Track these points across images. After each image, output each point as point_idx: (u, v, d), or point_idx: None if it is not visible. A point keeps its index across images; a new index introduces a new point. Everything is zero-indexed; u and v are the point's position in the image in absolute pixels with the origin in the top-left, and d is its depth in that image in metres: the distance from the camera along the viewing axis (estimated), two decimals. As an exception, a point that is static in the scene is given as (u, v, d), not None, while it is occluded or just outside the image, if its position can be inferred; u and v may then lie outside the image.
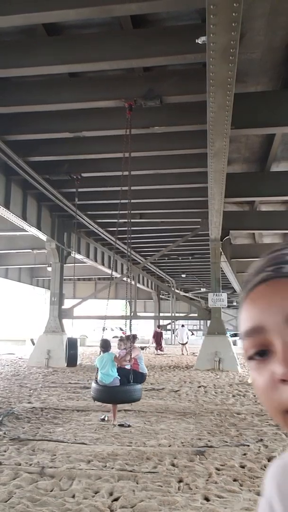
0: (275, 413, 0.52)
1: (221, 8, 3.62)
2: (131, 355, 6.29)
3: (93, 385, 6.06)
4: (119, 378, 6.04)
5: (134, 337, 7.08)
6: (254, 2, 4.85)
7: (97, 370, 6.13)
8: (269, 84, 6.93)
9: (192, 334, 27.74)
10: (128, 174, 7.07)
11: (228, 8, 3.61)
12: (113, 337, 23.97)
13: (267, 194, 11.21)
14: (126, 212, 7.23)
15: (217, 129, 5.97)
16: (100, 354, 6.32)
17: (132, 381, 5.98)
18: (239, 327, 0.57)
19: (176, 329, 25.76)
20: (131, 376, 5.96)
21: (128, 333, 6.94)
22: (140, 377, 6.47)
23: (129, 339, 6.73)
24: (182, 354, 21.62)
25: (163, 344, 23.23)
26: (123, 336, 7.83)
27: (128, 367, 6.19)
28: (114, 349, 6.81)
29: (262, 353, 0.52)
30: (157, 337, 22.86)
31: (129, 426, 5.97)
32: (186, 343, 22.37)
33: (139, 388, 6.07)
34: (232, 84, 4.86)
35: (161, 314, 30.70)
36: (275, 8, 5.06)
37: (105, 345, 6.28)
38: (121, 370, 6.12)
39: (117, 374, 6.02)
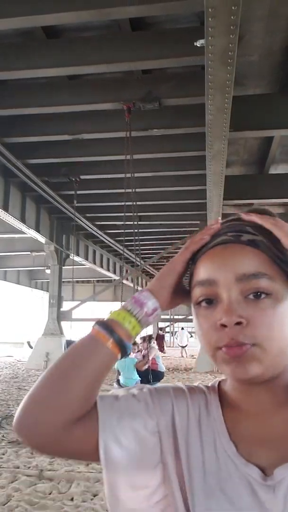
0: (211, 349, 0.64)
1: (220, 11, 3.63)
2: (148, 357, 6.64)
3: (116, 386, 6.51)
4: (140, 379, 6.47)
5: (150, 338, 7.28)
6: (253, 5, 4.86)
7: (118, 372, 6.57)
8: (267, 87, 6.95)
9: (191, 336, 27.72)
10: (131, 176, 7.08)
11: (226, 11, 3.62)
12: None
13: (266, 197, 11.22)
14: (128, 214, 7.28)
15: (216, 132, 5.98)
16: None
17: (151, 380, 6.47)
18: (193, 277, 0.68)
19: (176, 331, 25.80)
20: (150, 376, 6.41)
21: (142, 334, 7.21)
22: (159, 376, 6.90)
23: (146, 341, 6.97)
24: (182, 356, 21.64)
25: (164, 347, 23.26)
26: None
27: (146, 367, 6.67)
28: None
29: (209, 302, 0.64)
30: (159, 340, 22.89)
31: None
32: (186, 345, 22.41)
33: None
34: (231, 87, 4.87)
35: (160, 316, 30.65)
36: (274, 11, 5.08)
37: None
38: (140, 371, 6.46)
39: (138, 376, 6.45)
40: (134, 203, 7.00)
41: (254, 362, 0.60)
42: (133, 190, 7.03)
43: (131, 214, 7.31)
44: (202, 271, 0.65)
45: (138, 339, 7.15)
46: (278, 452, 0.60)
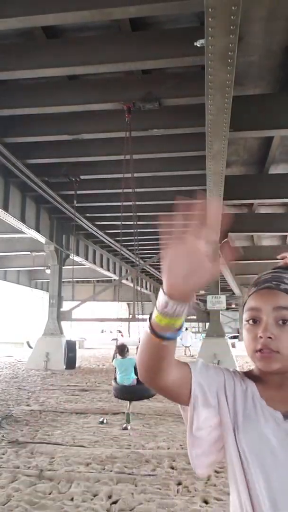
0: (251, 352, 1.01)
1: (220, 11, 3.63)
2: None
3: (114, 385, 6.67)
4: (137, 377, 6.35)
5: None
6: (252, 6, 4.86)
7: (115, 371, 6.75)
8: (267, 87, 6.95)
9: (196, 337, 27.87)
10: (131, 176, 7.08)
11: (226, 11, 3.62)
12: (112, 339, 23.94)
13: (266, 197, 11.23)
14: (127, 214, 7.29)
15: (216, 132, 5.98)
16: (115, 356, 6.93)
17: None
18: (246, 306, 1.06)
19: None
20: None
21: (125, 335, 7.22)
22: None
23: None
24: (185, 355, 21.80)
25: None
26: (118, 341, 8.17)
27: None
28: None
29: (254, 321, 1.01)
30: None
31: (127, 428, 5.97)
32: (190, 345, 22.60)
33: None
34: (231, 87, 4.87)
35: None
36: (273, 12, 5.08)
37: (121, 351, 6.85)
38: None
39: (135, 375, 6.46)
40: (134, 203, 6.98)
41: (276, 362, 0.98)
42: (133, 190, 7.02)
43: (130, 214, 7.31)
44: (253, 302, 1.03)
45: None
46: None
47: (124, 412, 7.00)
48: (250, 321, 1.02)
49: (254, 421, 0.99)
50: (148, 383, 0.99)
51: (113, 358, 7.04)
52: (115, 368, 6.82)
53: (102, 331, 32.47)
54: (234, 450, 0.98)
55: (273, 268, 1.10)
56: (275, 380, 1.03)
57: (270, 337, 0.97)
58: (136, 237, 7.70)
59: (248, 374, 1.10)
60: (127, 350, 6.94)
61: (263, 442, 0.95)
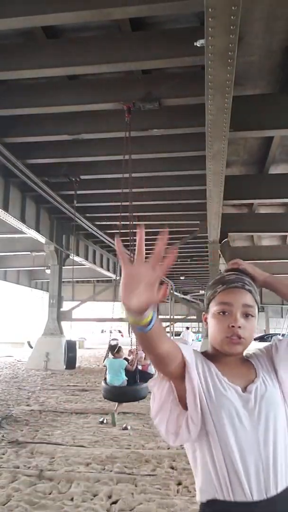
0: (220, 337, 1.28)
1: (220, 11, 3.63)
2: (137, 358, 6.75)
3: (103, 385, 6.54)
4: (127, 379, 6.46)
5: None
6: (252, 5, 4.86)
7: (105, 371, 6.64)
8: (267, 87, 6.95)
9: (197, 337, 27.86)
10: (129, 176, 7.07)
11: (226, 11, 3.62)
12: (112, 339, 23.90)
13: (266, 197, 11.23)
14: (126, 214, 7.29)
15: (216, 132, 5.98)
16: (108, 355, 6.79)
17: (138, 381, 6.44)
18: (213, 301, 1.34)
19: (180, 332, 25.92)
20: (137, 377, 6.42)
21: (125, 335, 7.26)
22: (147, 377, 6.81)
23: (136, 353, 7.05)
24: None
25: None
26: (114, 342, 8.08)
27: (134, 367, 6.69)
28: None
29: (223, 313, 1.29)
30: None
31: (127, 428, 5.97)
32: (191, 345, 22.60)
33: (145, 387, 6.41)
34: (231, 87, 4.87)
35: (160, 317, 30.65)
36: (273, 12, 5.08)
37: (113, 350, 6.78)
38: (129, 371, 6.60)
39: (125, 376, 6.47)
40: (130, 203, 6.98)
41: (241, 346, 1.28)
42: (130, 190, 7.01)
43: (128, 214, 7.30)
44: (225, 298, 1.31)
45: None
46: (245, 381, 1.29)
47: (124, 412, 6.99)
48: (221, 313, 1.30)
49: (223, 393, 1.24)
50: (149, 353, 1.17)
51: (105, 358, 6.91)
52: (106, 368, 6.71)
53: (102, 331, 32.46)
54: (209, 416, 1.21)
55: (226, 270, 1.41)
56: (231, 361, 1.31)
57: (240, 327, 1.26)
58: (131, 237, 7.64)
59: (205, 355, 1.35)
60: (120, 350, 6.84)
61: (232, 409, 1.22)
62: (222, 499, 1.18)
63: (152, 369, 7.23)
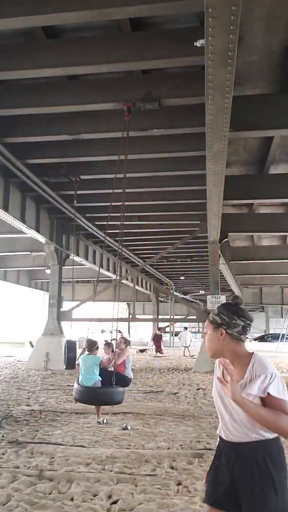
0: (214, 352, 2.08)
1: (220, 11, 3.63)
2: (116, 357, 6.27)
3: (75, 386, 6.00)
4: (101, 379, 6.00)
5: (126, 341, 7.05)
6: (252, 5, 4.86)
7: (79, 371, 6.10)
8: (267, 87, 6.95)
9: (195, 337, 27.80)
10: (123, 176, 7.05)
11: (226, 11, 3.62)
12: (112, 340, 23.90)
13: (266, 196, 11.23)
14: (123, 214, 7.25)
15: (216, 132, 5.98)
16: (84, 353, 6.27)
17: (114, 384, 5.83)
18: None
19: (179, 332, 25.87)
20: (113, 379, 5.81)
21: (125, 335, 6.99)
22: (123, 381, 6.31)
23: (122, 342, 6.75)
24: (184, 355, 21.73)
25: (162, 347, 23.30)
26: (109, 340, 7.77)
27: (111, 369, 6.08)
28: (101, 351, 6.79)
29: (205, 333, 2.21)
30: (157, 340, 22.95)
31: (127, 428, 5.96)
32: (189, 345, 22.55)
33: (121, 391, 5.97)
34: (231, 87, 4.87)
35: (160, 317, 30.67)
36: (273, 11, 5.08)
37: (90, 346, 6.25)
38: (104, 372, 6.08)
39: (98, 376, 5.98)
40: (123, 203, 6.95)
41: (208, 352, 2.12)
42: (123, 190, 7.00)
43: (129, 214, 7.28)
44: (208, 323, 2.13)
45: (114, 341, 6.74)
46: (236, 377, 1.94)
47: (124, 412, 6.98)
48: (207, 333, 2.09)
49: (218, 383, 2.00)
50: None
51: (80, 355, 6.27)
52: (80, 367, 6.10)
53: (102, 331, 32.46)
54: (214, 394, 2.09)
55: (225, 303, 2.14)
56: (230, 359, 1.96)
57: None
58: (121, 238, 7.58)
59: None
60: (97, 348, 6.27)
61: (219, 390, 2.03)
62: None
63: (130, 373, 6.77)
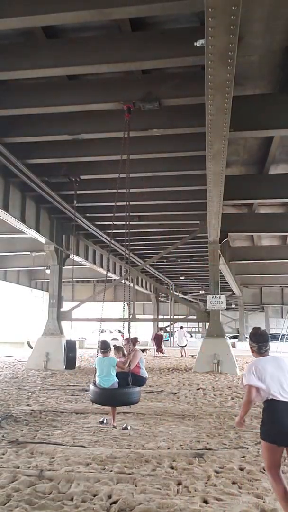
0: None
1: (220, 11, 3.64)
2: (130, 358, 6.32)
3: (92, 387, 6.01)
4: (118, 380, 6.01)
5: (135, 341, 7.04)
6: (252, 5, 4.86)
7: (95, 373, 6.10)
8: (267, 87, 6.95)
9: (191, 336, 27.71)
10: (126, 176, 7.04)
11: (226, 11, 3.63)
12: (112, 340, 23.92)
13: (266, 196, 11.24)
14: (124, 214, 7.23)
15: (216, 132, 5.99)
16: (98, 355, 6.28)
17: (131, 384, 5.92)
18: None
19: (175, 331, 25.77)
20: (130, 379, 5.90)
21: (126, 335, 6.90)
22: (140, 381, 6.44)
23: (129, 342, 6.74)
24: (182, 355, 21.65)
25: (163, 347, 23.29)
26: (117, 344, 7.76)
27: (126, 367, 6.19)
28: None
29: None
30: (157, 340, 22.95)
31: (127, 428, 5.96)
32: (185, 345, 22.42)
33: (138, 391, 6.04)
34: (231, 87, 4.87)
35: (160, 317, 30.69)
36: (273, 12, 5.08)
37: (104, 347, 6.21)
38: (120, 373, 6.10)
39: (115, 377, 6.00)
40: (128, 203, 6.92)
41: None
42: (127, 190, 6.98)
43: (124, 214, 7.23)
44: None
45: (121, 343, 6.61)
46: None
47: (124, 412, 6.98)
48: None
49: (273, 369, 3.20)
50: None
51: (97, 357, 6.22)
52: (95, 369, 6.11)
53: (103, 331, 32.51)
54: None
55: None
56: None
57: None
58: (128, 237, 7.57)
59: None
60: (110, 349, 6.25)
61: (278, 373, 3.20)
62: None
63: (145, 372, 6.86)
